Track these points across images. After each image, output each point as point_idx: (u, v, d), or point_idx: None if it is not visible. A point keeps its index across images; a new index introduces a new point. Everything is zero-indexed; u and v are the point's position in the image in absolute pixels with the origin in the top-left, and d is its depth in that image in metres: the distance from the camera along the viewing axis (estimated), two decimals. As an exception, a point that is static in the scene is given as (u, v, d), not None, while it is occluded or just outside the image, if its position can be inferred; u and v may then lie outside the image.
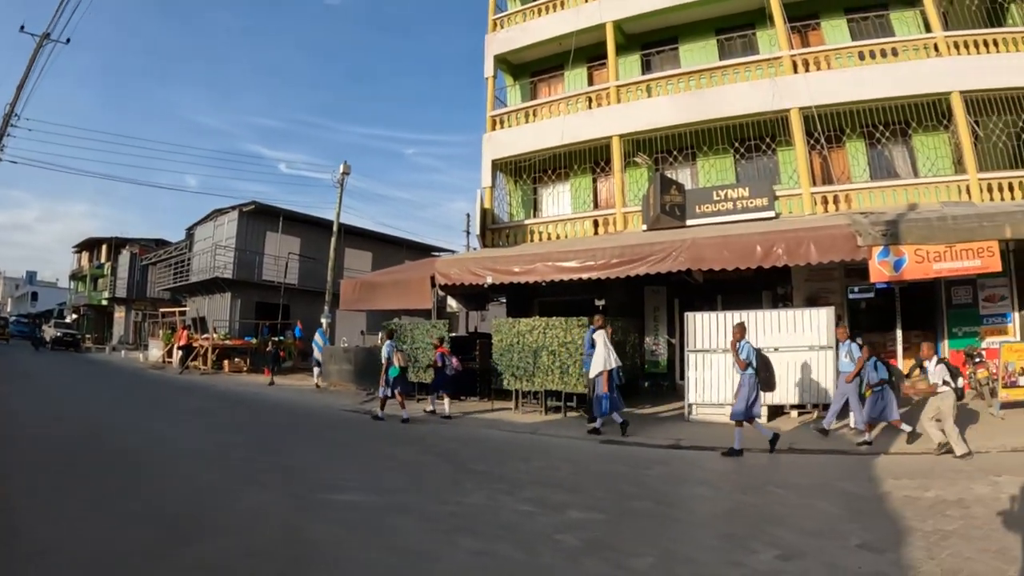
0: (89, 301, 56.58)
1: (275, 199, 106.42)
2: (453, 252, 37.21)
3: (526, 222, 19.87)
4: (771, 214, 15.48)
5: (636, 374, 17.08)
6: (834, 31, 17.46)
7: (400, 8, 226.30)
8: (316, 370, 21.36)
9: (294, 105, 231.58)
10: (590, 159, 19.20)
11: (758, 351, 10.13)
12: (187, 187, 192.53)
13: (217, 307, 32.45)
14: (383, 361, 13.61)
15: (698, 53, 18.79)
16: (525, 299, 19.34)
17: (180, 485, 7.46)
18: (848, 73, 15.75)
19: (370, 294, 18.29)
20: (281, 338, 27.15)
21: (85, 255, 60.92)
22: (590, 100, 18.98)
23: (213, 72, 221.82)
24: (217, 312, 31.90)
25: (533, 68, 21.72)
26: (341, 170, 26.82)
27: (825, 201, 15.51)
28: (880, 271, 12.09)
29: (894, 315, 15.36)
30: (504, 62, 21.53)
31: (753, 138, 16.94)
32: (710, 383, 12.99)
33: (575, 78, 20.53)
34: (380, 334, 14.52)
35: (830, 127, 15.86)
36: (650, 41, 19.72)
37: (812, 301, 15.18)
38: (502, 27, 21.37)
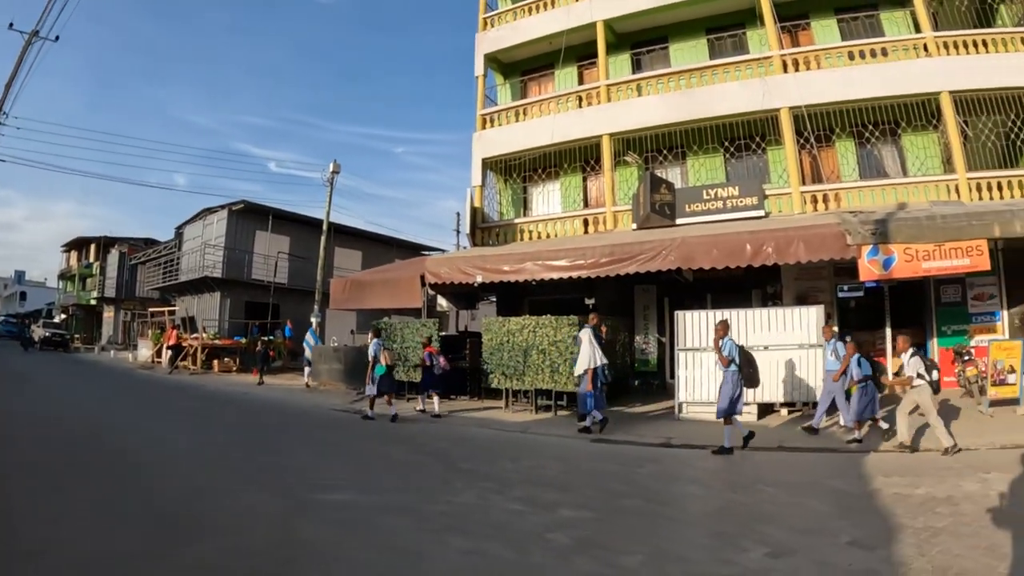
0: (78, 301, 56.18)
1: (265, 198, 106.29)
2: (443, 251, 37.14)
3: (516, 221, 19.83)
4: (761, 213, 15.50)
5: (626, 373, 17.08)
6: (824, 31, 17.50)
7: (391, 7, 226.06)
8: (307, 369, 21.28)
9: (284, 104, 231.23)
10: (580, 158, 19.18)
11: (741, 348, 10.17)
12: (176, 186, 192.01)
13: (206, 307, 32.30)
14: (369, 359, 13.60)
15: (688, 52, 18.79)
16: (515, 298, 19.30)
17: (172, 486, 7.40)
18: (838, 73, 15.78)
19: (360, 293, 18.22)
20: (271, 338, 27.03)
21: (74, 254, 60.49)
22: (580, 99, 18.96)
23: (203, 71, 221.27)
24: (206, 312, 31.75)
25: (523, 67, 21.68)
26: (331, 169, 26.69)
27: (815, 200, 15.54)
28: (869, 270, 12.14)
29: (883, 313, 15.42)
30: (494, 61, 21.49)
31: (743, 137, 16.95)
32: (700, 382, 12.99)
33: (565, 77, 20.52)
34: (370, 333, 14.48)
35: (820, 126, 15.91)
36: (640, 40, 19.71)
37: (802, 300, 15.22)
38: (492, 26, 21.34)
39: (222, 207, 33.29)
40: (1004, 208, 12.53)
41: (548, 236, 18.61)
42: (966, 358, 13.22)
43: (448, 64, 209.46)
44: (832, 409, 11.17)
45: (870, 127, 15.86)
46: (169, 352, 26.80)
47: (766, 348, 12.62)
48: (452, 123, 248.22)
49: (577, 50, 19.79)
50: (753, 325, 12.96)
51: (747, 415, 12.34)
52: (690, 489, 7.93)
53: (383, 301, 17.89)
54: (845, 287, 15.00)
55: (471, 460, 9.47)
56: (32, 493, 6.80)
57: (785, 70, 16.25)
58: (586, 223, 18.26)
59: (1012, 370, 11.46)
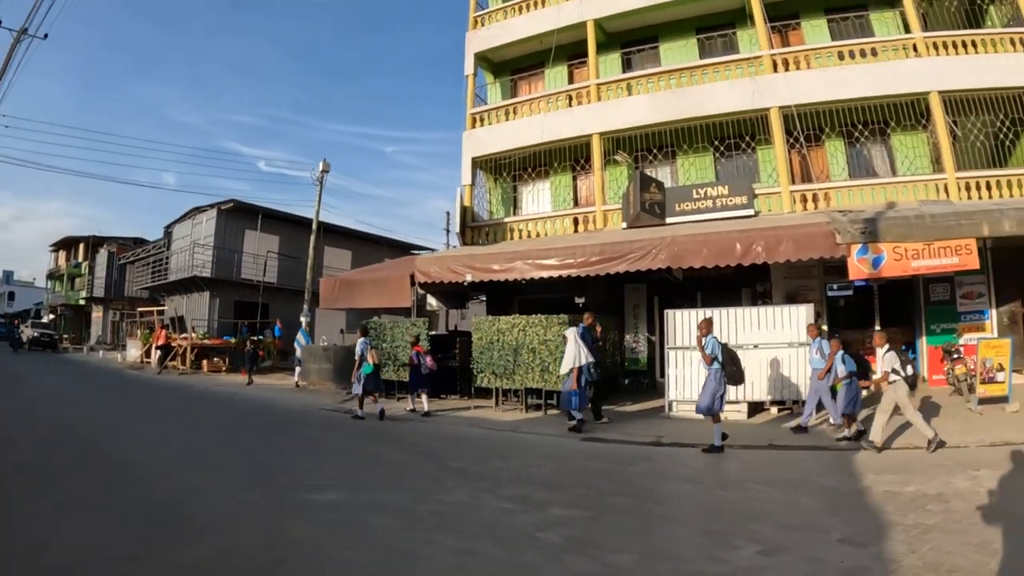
0: (66, 301, 55.86)
1: (254, 197, 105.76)
2: (433, 250, 37.00)
3: (506, 220, 19.79)
4: (750, 212, 15.52)
5: (616, 371, 17.08)
6: (814, 31, 17.54)
7: (380, 5, 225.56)
8: (297, 369, 21.20)
9: (273, 102, 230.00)
10: (570, 157, 19.14)
11: (724, 346, 10.19)
12: (165, 185, 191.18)
13: (196, 306, 32.16)
14: (356, 358, 13.60)
15: (678, 52, 18.81)
16: (505, 297, 19.26)
17: (162, 486, 7.38)
18: (828, 73, 15.81)
19: (350, 292, 18.14)
20: (260, 337, 26.92)
21: (62, 254, 60.06)
22: (570, 98, 18.94)
23: (192, 69, 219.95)
24: (196, 311, 31.62)
25: (514, 66, 21.64)
26: (320, 168, 26.59)
27: (804, 199, 15.56)
28: (859, 268, 12.18)
29: (873, 312, 15.46)
30: (485, 60, 21.43)
31: (733, 137, 16.95)
32: (690, 380, 12.96)
33: (555, 76, 20.49)
34: (358, 332, 14.47)
35: (809, 126, 15.95)
36: (630, 40, 19.71)
37: (791, 298, 15.24)
38: (483, 25, 21.28)
39: (211, 206, 33.14)
40: (993, 207, 12.59)
41: (538, 235, 18.58)
42: (955, 356, 13.26)
43: (438, 63, 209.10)
44: (821, 407, 11.18)
45: (859, 127, 15.90)
46: (158, 352, 26.60)
47: (756, 347, 12.65)
48: (442, 122, 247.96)
49: (567, 49, 19.76)
50: (743, 324, 12.96)
51: (737, 413, 12.47)
52: (681, 487, 7.91)
53: (373, 300, 17.82)
54: (834, 286, 15.04)
55: (462, 459, 9.43)
56: (25, 493, 6.79)
57: (775, 70, 16.27)
58: (576, 222, 18.24)
59: (1001, 368, 11.50)
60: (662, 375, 14.88)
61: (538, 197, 20.47)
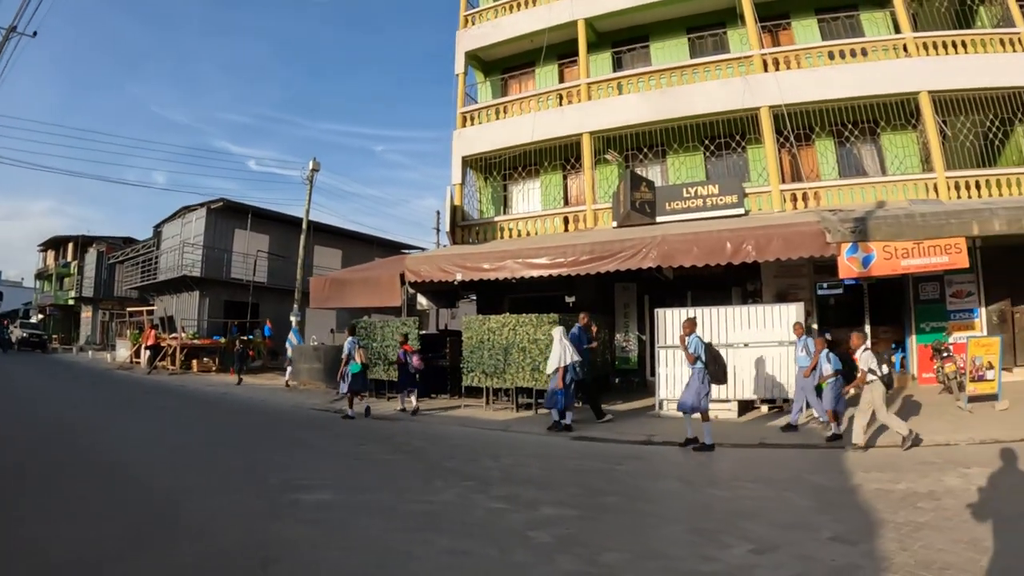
0: (55, 301, 55.54)
1: (244, 196, 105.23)
2: (423, 249, 36.91)
3: (496, 219, 19.74)
4: (741, 211, 15.52)
5: (607, 370, 17.07)
6: (804, 31, 17.58)
7: (371, 3, 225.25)
8: (288, 369, 21.12)
9: (263, 101, 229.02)
10: (560, 156, 19.10)
11: (708, 345, 10.18)
12: (155, 184, 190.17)
13: (185, 306, 32.02)
14: (343, 357, 13.61)
15: (669, 51, 18.82)
16: (496, 296, 19.22)
17: (151, 487, 7.33)
18: (818, 72, 15.84)
19: (340, 292, 18.04)
20: (250, 337, 26.81)
21: (51, 254, 59.67)
22: (561, 97, 18.91)
23: (181, 68, 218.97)
24: (185, 311, 31.47)
25: (504, 65, 21.61)
26: (310, 167, 26.53)
27: (794, 198, 15.58)
28: (849, 267, 12.19)
29: (863, 311, 15.50)
30: (475, 59, 21.38)
31: (723, 136, 16.96)
32: (681, 379, 12.86)
33: (546, 75, 20.47)
34: (346, 331, 14.46)
35: (799, 125, 15.97)
36: (621, 39, 19.72)
37: (781, 297, 15.27)
38: (474, 23, 21.23)
39: (201, 205, 33.00)
40: (982, 207, 12.62)
41: (528, 234, 18.55)
42: (945, 355, 13.29)
43: (428, 62, 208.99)
44: (810, 405, 11.21)
45: (850, 126, 15.92)
46: (148, 352, 26.42)
47: (746, 345, 12.66)
48: (432, 121, 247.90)
49: (558, 48, 19.74)
50: (733, 322, 12.97)
51: (728, 412, 12.47)
52: (672, 486, 7.87)
53: (363, 300, 17.74)
54: (825, 285, 15.09)
55: (452, 459, 9.37)
56: (17, 494, 6.76)
57: (765, 69, 16.28)
58: (566, 221, 18.21)
59: (990, 366, 11.53)
60: (652, 374, 14.85)
61: (528, 196, 20.44)
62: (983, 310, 14.63)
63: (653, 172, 18.18)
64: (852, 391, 10.14)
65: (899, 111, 15.41)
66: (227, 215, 32.89)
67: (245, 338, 25.40)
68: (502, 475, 8.29)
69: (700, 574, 4.70)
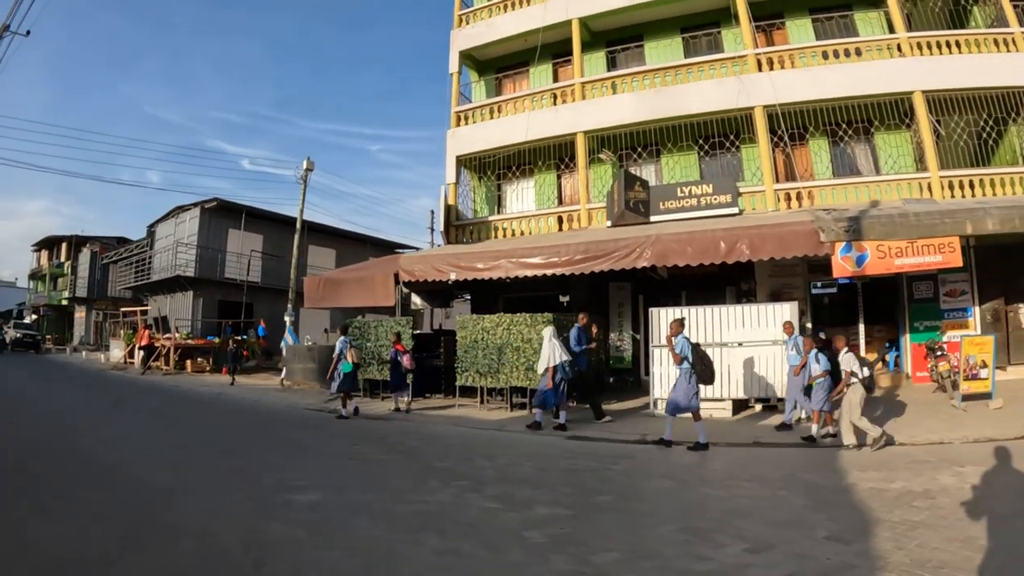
0: (49, 301, 55.34)
1: (238, 196, 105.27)
2: (417, 249, 36.91)
3: (490, 218, 19.72)
4: (735, 210, 15.51)
5: (601, 370, 17.04)
6: (799, 30, 17.59)
7: (365, 3, 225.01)
8: (284, 369, 21.07)
9: (257, 100, 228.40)
10: (555, 155, 19.07)
11: (695, 345, 10.16)
12: (149, 183, 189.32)
13: (179, 306, 31.90)
14: (334, 356, 13.61)
15: (663, 51, 18.81)
16: (490, 296, 19.18)
17: (144, 487, 7.30)
18: (812, 72, 15.86)
19: (334, 291, 18.00)
20: (244, 337, 26.74)
21: (44, 254, 59.46)
22: (555, 97, 18.89)
23: (174, 67, 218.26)
24: (179, 311, 31.34)
25: (498, 64, 21.58)
26: (304, 166, 26.46)
27: (788, 198, 15.60)
28: (842, 266, 12.19)
29: (857, 310, 15.53)
30: (469, 58, 21.35)
31: (717, 135, 16.92)
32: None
33: (540, 75, 20.45)
34: (338, 331, 14.47)
35: (794, 125, 15.98)
36: (616, 38, 19.70)
37: (775, 296, 15.26)
38: (468, 23, 21.20)
39: (195, 205, 32.90)
40: (976, 206, 12.65)
41: (522, 234, 18.52)
42: (939, 353, 13.30)
43: (422, 61, 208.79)
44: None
45: (843, 126, 15.95)
46: (142, 353, 26.35)
47: (740, 344, 12.67)
48: (426, 120, 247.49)
49: (552, 48, 19.72)
50: (727, 322, 12.97)
51: (722, 411, 12.46)
52: (666, 485, 7.84)
53: (357, 299, 17.71)
54: (819, 284, 15.10)
55: (446, 458, 9.34)
56: (9, 495, 6.74)
57: (760, 69, 16.29)
58: (560, 220, 18.20)
59: (984, 365, 11.55)
60: (647, 373, 14.85)
61: (523, 196, 20.42)
62: (977, 309, 14.67)
63: (647, 171, 18.17)
64: (837, 395, 10.16)
65: (893, 111, 15.44)
66: (221, 215, 32.79)
67: (239, 338, 25.34)
68: (496, 475, 8.26)
69: (694, 573, 4.67)
